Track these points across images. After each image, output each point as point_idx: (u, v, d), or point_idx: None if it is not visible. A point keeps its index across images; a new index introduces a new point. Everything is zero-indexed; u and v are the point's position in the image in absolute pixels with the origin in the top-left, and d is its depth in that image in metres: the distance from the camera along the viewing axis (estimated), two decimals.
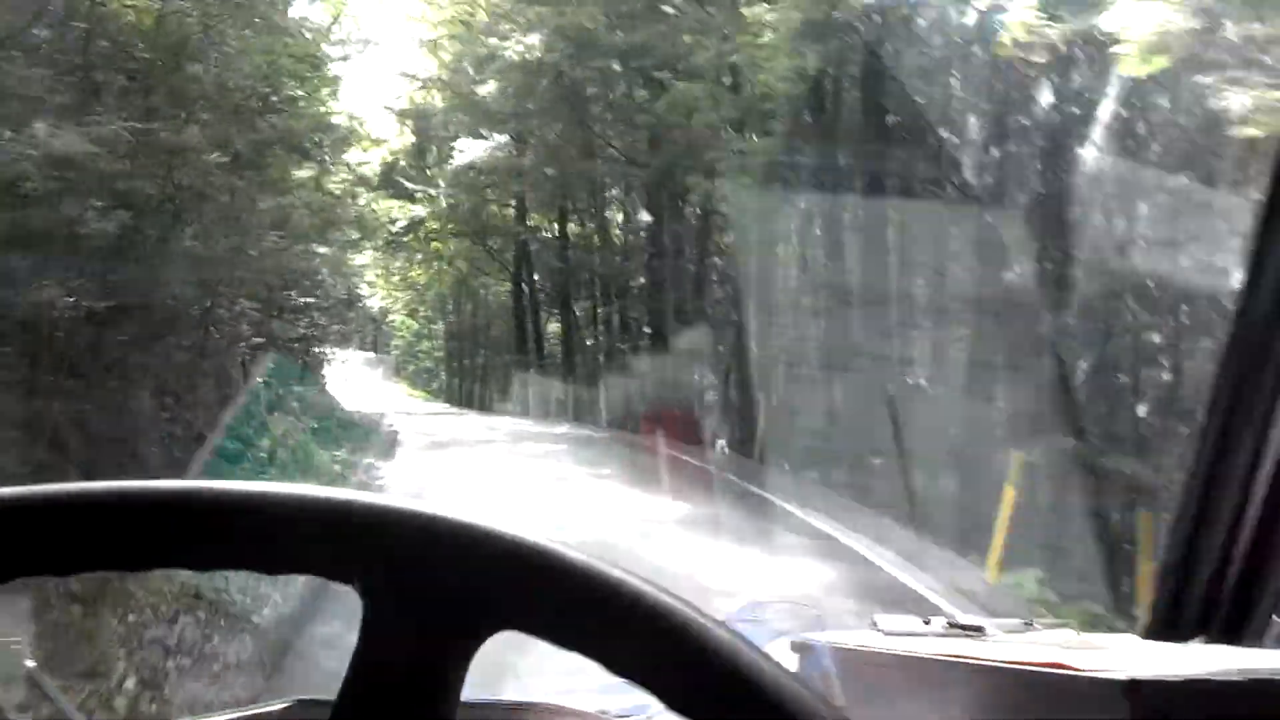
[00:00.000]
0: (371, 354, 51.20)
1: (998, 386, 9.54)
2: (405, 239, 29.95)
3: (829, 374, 12.25)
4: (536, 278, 29.88)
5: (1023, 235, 8.13)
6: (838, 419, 12.04)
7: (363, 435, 13.16)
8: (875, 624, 1.13)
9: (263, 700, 0.83)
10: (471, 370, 36.95)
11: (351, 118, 15.33)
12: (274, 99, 8.91)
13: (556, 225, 28.25)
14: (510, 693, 0.96)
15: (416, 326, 43.02)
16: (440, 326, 39.79)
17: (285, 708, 0.80)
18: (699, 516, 8.81)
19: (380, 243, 28.84)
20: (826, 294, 12.22)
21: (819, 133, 11.80)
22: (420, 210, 27.16)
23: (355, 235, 17.86)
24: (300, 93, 9.50)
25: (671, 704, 0.44)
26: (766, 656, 0.44)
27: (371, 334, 52.84)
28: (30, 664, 1.02)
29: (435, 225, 30.17)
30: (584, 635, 0.45)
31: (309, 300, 12.29)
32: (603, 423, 19.71)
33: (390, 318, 44.24)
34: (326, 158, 14.08)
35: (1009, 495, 7.20)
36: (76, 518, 0.45)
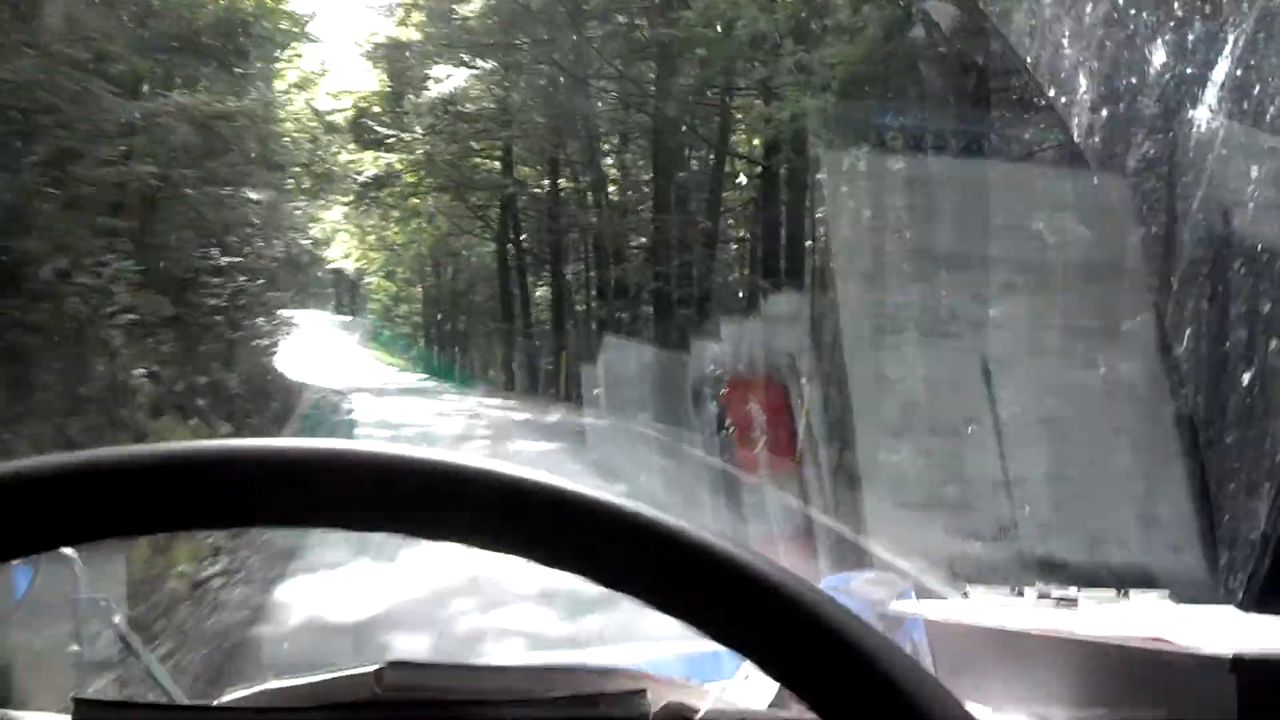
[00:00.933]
0: (350, 317, 48.68)
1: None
2: (379, 194, 27.00)
3: (896, 355, 10.41)
4: (524, 238, 26.95)
5: (1125, 198, 6.81)
6: (912, 420, 9.65)
7: (305, 433, 10.34)
8: (966, 595, 1.13)
9: (353, 663, 0.77)
10: (452, 337, 34.14)
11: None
12: None
13: (547, 180, 25.30)
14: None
15: (394, 289, 40.14)
16: (419, 290, 36.83)
17: (377, 670, 0.75)
18: None
19: (351, 196, 26.03)
20: (896, 256, 10.32)
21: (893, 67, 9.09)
22: (394, 159, 24.13)
23: (306, 182, 14.90)
24: None
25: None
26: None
27: (348, 296, 50.25)
28: (119, 620, 1.03)
29: (412, 178, 27.31)
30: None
31: (234, 260, 9.34)
32: (602, 405, 16.82)
33: (367, 280, 41.65)
34: (254, 72, 11.07)
35: None
36: None
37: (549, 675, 0.84)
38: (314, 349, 28.35)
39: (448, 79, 17.58)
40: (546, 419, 14.31)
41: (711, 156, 18.88)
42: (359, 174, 21.85)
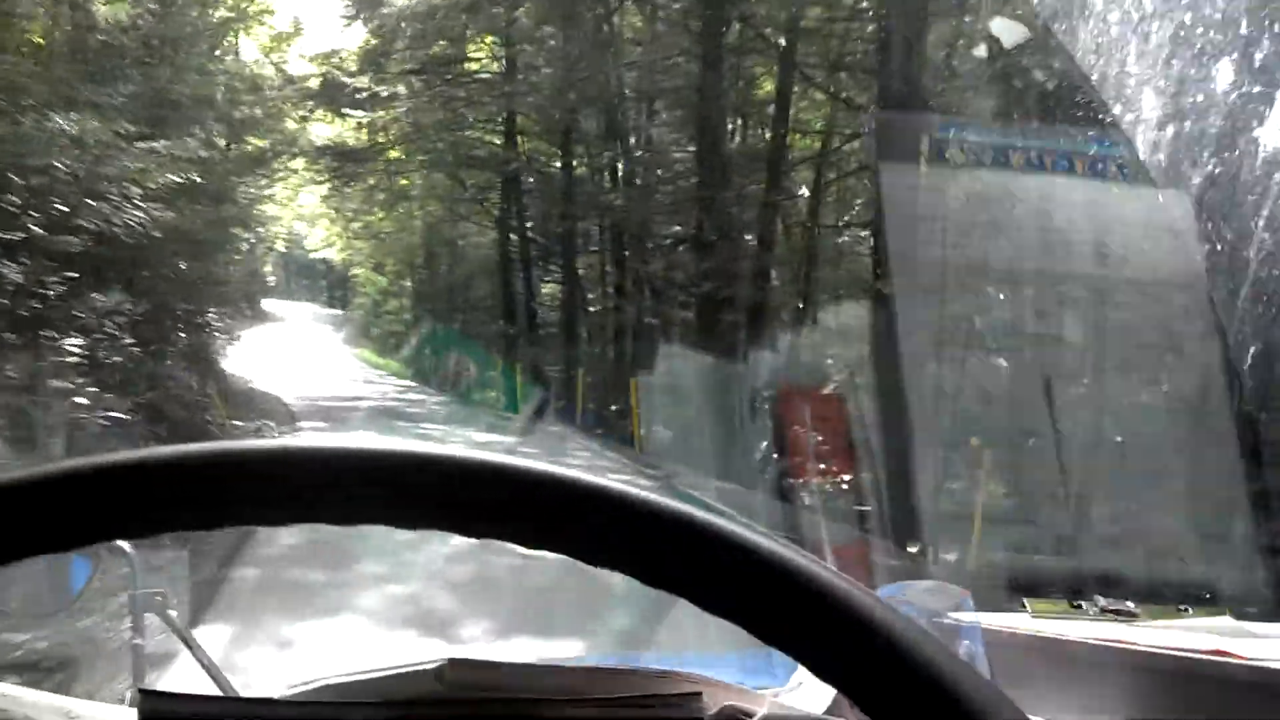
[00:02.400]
0: (340, 311, 45.02)
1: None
2: (359, 169, 22.93)
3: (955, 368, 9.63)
4: (530, 225, 22.81)
5: (1190, 215, 6.51)
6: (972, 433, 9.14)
7: None
8: (1025, 606, 1.12)
9: (414, 660, 0.76)
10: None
11: None
12: None
13: (559, 155, 21.10)
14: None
15: (384, 283, 36.14)
16: (410, 283, 32.73)
17: (439, 667, 0.76)
18: None
19: (323, 171, 21.98)
20: (956, 267, 9.15)
21: None
22: (371, 118, 20.05)
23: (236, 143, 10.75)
24: None
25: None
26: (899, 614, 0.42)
27: (340, 290, 46.37)
28: (173, 614, 1.03)
29: (397, 154, 23.23)
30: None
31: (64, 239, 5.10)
32: (640, 442, 12.67)
33: (356, 271, 37.95)
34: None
35: None
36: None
37: (606, 676, 0.83)
38: (289, 350, 24.41)
39: None
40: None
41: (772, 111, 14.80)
42: (301, 126, 17.52)
